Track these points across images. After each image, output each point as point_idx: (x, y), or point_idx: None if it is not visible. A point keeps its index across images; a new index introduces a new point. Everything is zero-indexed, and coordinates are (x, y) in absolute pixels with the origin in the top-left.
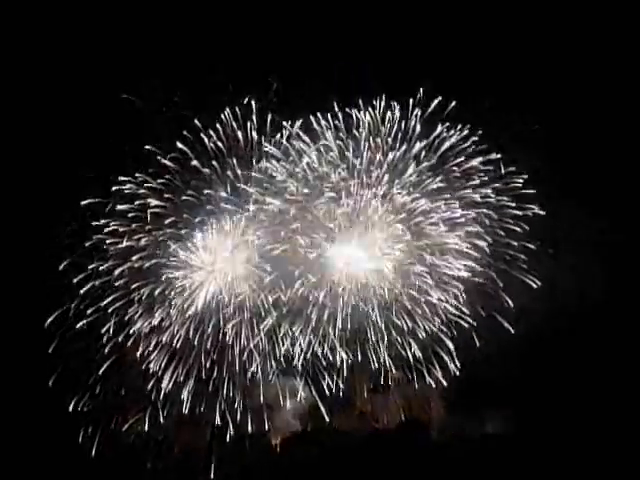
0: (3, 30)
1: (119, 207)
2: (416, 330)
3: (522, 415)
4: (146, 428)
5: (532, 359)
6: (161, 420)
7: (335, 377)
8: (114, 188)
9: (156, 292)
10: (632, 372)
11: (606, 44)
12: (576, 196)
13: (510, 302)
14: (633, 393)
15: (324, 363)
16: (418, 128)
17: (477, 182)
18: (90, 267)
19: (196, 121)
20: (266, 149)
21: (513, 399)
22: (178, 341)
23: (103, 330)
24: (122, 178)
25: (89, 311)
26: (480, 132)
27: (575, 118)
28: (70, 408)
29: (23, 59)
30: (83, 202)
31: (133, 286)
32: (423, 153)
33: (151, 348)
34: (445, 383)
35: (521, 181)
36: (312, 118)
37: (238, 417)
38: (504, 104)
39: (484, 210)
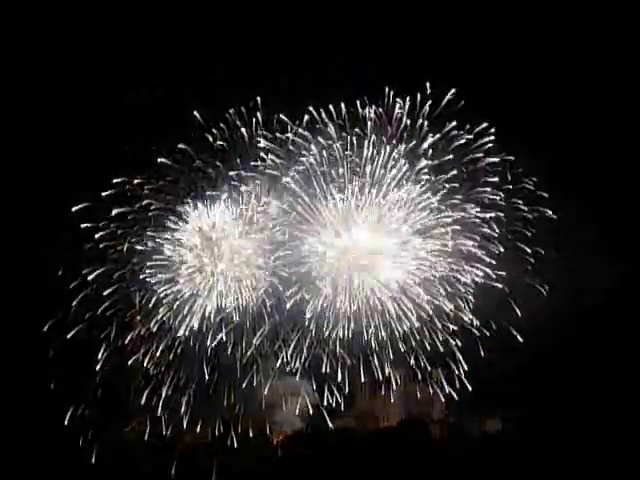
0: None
1: (118, 210)
2: (421, 335)
3: (523, 415)
4: (147, 431)
5: (534, 359)
6: (163, 423)
7: (336, 376)
8: (114, 191)
9: (154, 299)
10: (632, 373)
11: (611, 49)
12: (577, 197)
13: (518, 311)
14: (634, 394)
15: (325, 362)
16: (425, 126)
17: (486, 183)
18: (86, 271)
19: (198, 116)
20: (269, 146)
21: (514, 399)
22: (179, 346)
23: (102, 335)
24: (119, 180)
25: (87, 315)
26: (492, 130)
27: (578, 119)
28: (70, 413)
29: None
30: (78, 206)
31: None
32: (430, 152)
33: (151, 352)
34: (447, 387)
35: (531, 183)
36: (317, 116)
37: (239, 417)
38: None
39: (492, 213)
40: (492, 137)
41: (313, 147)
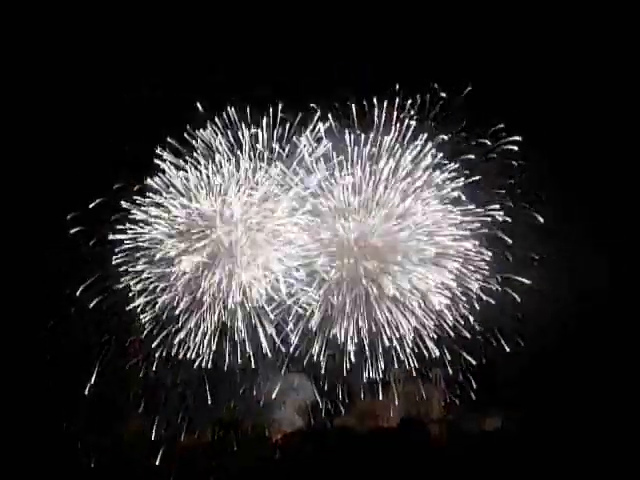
0: None
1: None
2: (421, 337)
3: (524, 414)
4: (145, 434)
5: (534, 360)
6: (161, 426)
7: (336, 374)
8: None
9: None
10: (633, 372)
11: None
12: (576, 197)
13: (520, 315)
14: (633, 394)
15: (324, 364)
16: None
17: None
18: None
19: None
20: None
21: (514, 397)
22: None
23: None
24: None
25: (85, 319)
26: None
27: (578, 119)
28: (67, 417)
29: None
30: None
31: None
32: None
33: (151, 355)
34: (446, 388)
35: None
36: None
37: (238, 417)
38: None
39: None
40: (507, 139)
41: (315, 144)
